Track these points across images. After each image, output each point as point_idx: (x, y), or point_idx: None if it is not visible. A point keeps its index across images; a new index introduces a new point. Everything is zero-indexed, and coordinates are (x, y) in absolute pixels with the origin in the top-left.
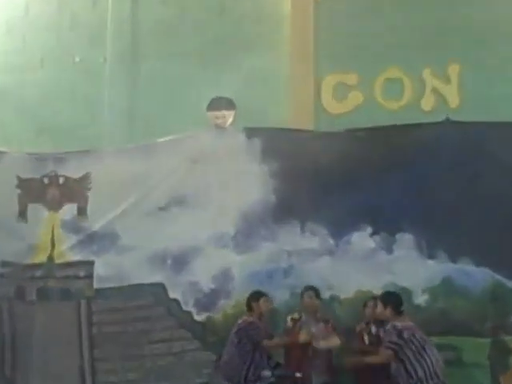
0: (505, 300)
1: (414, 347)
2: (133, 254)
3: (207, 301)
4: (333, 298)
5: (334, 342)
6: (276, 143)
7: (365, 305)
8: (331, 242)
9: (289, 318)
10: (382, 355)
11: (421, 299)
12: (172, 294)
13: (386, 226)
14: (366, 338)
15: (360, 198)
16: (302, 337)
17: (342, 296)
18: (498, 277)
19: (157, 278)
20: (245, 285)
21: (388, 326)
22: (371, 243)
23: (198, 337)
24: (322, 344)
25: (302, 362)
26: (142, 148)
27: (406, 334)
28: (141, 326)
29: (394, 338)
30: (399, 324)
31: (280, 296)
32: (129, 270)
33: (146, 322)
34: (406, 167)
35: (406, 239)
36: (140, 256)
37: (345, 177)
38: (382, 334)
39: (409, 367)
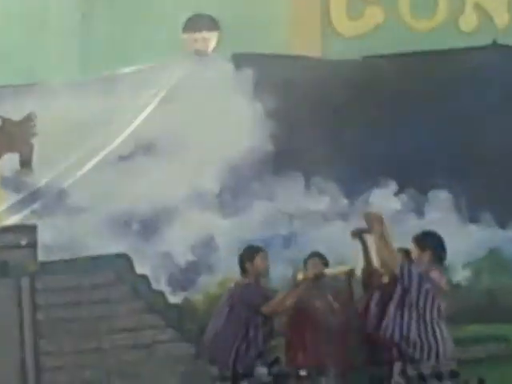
0: None
1: (422, 303)
2: (88, 217)
3: (184, 277)
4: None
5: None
6: (273, 74)
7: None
8: (344, 202)
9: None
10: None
11: (461, 276)
12: (139, 269)
13: (416, 181)
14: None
15: (381, 145)
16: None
17: (358, 272)
18: None
19: (119, 247)
20: (232, 257)
21: (429, 273)
22: (396, 204)
23: (172, 324)
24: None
25: (308, 351)
26: (99, 81)
27: (428, 285)
28: (99, 311)
29: (416, 271)
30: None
31: (279, 272)
32: (83, 238)
33: (105, 305)
34: (440, 104)
35: (441, 198)
36: (97, 219)
37: (362, 117)
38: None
39: (405, 320)
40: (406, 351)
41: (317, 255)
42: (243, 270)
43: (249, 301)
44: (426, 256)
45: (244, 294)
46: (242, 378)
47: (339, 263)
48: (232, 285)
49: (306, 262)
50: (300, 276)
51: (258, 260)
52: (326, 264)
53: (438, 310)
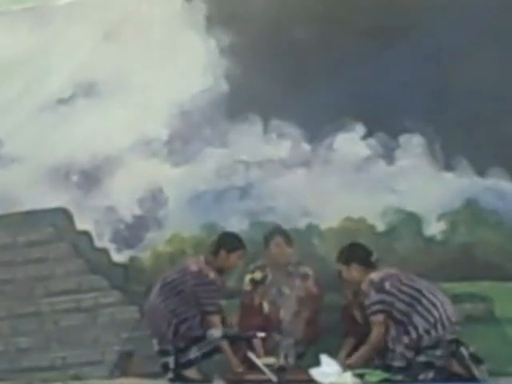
0: None
1: (405, 297)
2: (22, 168)
3: (130, 234)
4: (310, 229)
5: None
6: (227, 6)
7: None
8: (307, 147)
9: (247, 278)
10: (376, 329)
11: (435, 229)
12: (80, 225)
13: (385, 124)
14: (357, 313)
15: (347, 84)
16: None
17: (324, 225)
18: None
19: (57, 201)
20: (183, 210)
21: (362, 285)
22: (364, 149)
23: (117, 285)
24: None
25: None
26: (31, 12)
27: (388, 285)
28: (35, 271)
29: (374, 297)
30: (375, 275)
31: (234, 226)
32: (15, 191)
33: (42, 264)
34: (413, 36)
35: (413, 143)
36: (31, 170)
37: (326, 54)
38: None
39: (408, 325)
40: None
41: (279, 233)
42: (214, 255)
43: (207, 304)
44: (353, 269)
45: (200, 293)
46: (190, 346)
47: (302, 215)
48: (193, 265)
49: (266, 240)
50: (248, 278)
51: (235, 256)
52: (288, 242)
53: (413, 283)
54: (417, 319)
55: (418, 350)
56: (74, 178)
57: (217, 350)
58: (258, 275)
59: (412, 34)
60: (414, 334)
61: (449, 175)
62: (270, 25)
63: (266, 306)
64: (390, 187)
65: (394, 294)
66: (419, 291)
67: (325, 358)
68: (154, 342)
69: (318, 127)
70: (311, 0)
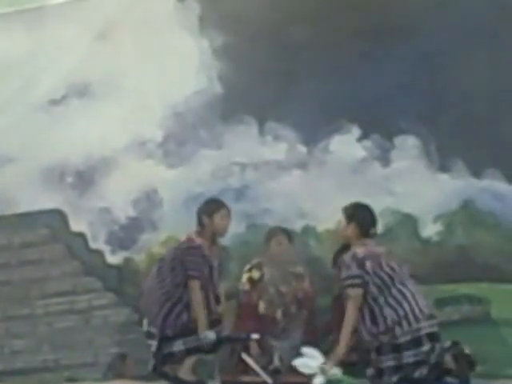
0: None
1: (380, 282)
2: (16, 169)
3: (125, 235)
4: (307, 231)
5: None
6: (221, 7)
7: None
8: (302, 149)
9: (245, 277)
10: (352, 303)
11: (431, 231)
12: (75, 226)
13: (381, 125)
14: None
15: (343, 86)
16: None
17: (320, 227)
18: None
19: (52, 202)
20: (178, 212)
21: (345, 256)
22: (359, 151)
23: (111, 287)
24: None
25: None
26: (24, 14)
27: (368, 265)
28: (30, 273)
29: (355, 271)
30: (360, 251)
31: (230, 229)
32: (11, 192)
33: (37, 266)
34: (408, 38)
35: (408, 145)
36: (26, 171)
37: (322, 56)
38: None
39: (376, 311)
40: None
41: (281, 231)
42: (200, 225)
43: (188, 268)
44: (350, 228)
45: (186, 257)
46: (176, 338)
47: (298, 217)
48: (184, 239)
49: (268, 238)
50: (245, 277)
51: (217, 217)
52: (290, 240)
53: (393, 271)
54: (386, 310)
55: (399, 347)
56: (69, 179)
57: (203, 349)
58: (255, 274)
59: (407, 36)
60: (382, 326)
61: (444, 176)
62: (264, 26)
63: (262, 306)
64: (385, 189)
65: (370, 274)
66: (391, 279)
67: (307, 350)
68: (145, 322)
69: (314, 129)
70: (306, 1)
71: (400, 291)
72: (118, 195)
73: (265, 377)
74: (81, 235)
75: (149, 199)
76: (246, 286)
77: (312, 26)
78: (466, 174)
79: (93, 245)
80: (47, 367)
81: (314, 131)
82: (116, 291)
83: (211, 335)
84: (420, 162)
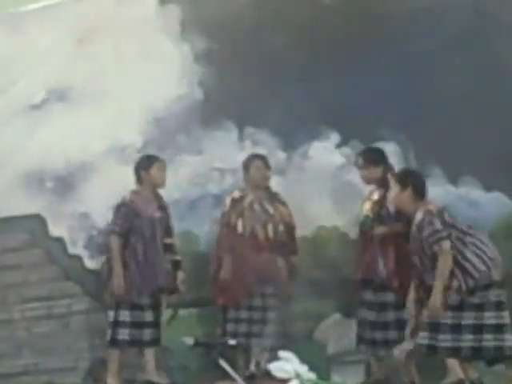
0: None
1: (458, 233)
2: None
3: (104, 240)
4: None
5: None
6: (202, 12)
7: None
8: (282, 155)
9: (227, 200)
10: (443, 258)
11: None
12: (54, 231)
13: (360, 132)
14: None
15: (322, 92)
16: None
17: (298, 234)
18: None
19: (32, 207)
20: None
21: (418, 215)
22: (338, 157)
23: (90, 292)
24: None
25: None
26: (3, 18)
27: (446, 216)
28: (9, 278)
29: (438, 226)
30: (431, 207)
31: (209, 235)
32: None
33: (16, 271)
34: (387, 45)
35: (387, 151)
36: (5, 176)
37: (301, 62)
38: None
39: (464, 262)
40: None
41: (257, 157)
42: (138, 180)
43: (111, 223)
44: (407, 193)
45: (113, 219)
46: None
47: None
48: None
49: (246, 167)
50: (228, 199)
51: (154, 169)
52: (267, 165)
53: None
54: (469, 255)
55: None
56: (49, 184)
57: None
58: (236, 194)
59: (386, 44)
60: (474, 273)
61: None
62: (245, 31)
63: (240, 225)
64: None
65: (451, 225)
66: (470, 229)
67: (284, 354)
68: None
69: (293, 135)
70: (287, 8)
71: (479, 239)
72: (97, 200)
73: (241, 382)
74: (60, 240)
75: None
76: (226, 208)
77: (293, 33)
78: (444, 181)
79: (72, 250)
80: (26, 372)
81: (294, 137)
82: (94, 296)
83: (189, 340)
84: (398, 168)
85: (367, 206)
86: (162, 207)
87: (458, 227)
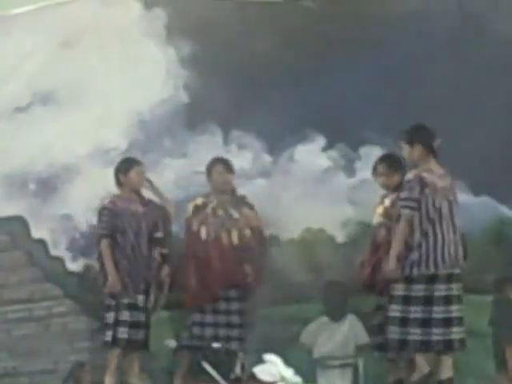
0: None
1: (425, 211)
2: None
3: (86, 242)
4: (270, 240)
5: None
6: (188, 15)
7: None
8: (267, 158)
9: (190, 206)
10: (405, 220)
11: None
12: (36, 233)
13: (346, 135)
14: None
15: (308, 95)
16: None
17: (284, 237)
18: (505, 209)
19: (13, 209)
20: None
21: (410, 175)
22: (324, 161)
23: (71, 295)
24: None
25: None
26: None
27: (428, 190)
28: None
29: (415, 194)
30: (427, 175)
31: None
32: None
33: None
34: (374, 49)
35: (373, 155)
36: None
37: (287, 65)
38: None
39: (414, 236)
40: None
41: (219, 161)
42: (118, 183)
43: (98, 228)
44: (416, 150)
45: (98, 223)
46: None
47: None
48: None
49: (208, 171)
50: (190, 205)
51: (132, 173)
52: (230, 169)
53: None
54: (418, 235)
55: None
56: (31, 186)
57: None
58: (198, 200)
59: (373, 47)
60: (415, 255)
61: None
62: (230, 35)
63: (203, 232)
64: (350, 199)
65: (427, 204)
66: (440, 216)
67: (269, 357)
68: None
69: (279, 138)
70: (272, 12)
71: (442, 231)
72: (80, 203)
73: None
74: (41, 242)
75: None
76: (188, 214)
77: (278, 37)
78: None
79: (53, 252)
80: (6, 374)
81: (279, 140)
82: (76, 299)
83: (172, 343)
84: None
85: (380, 210)
86: (146, 203)
87: (429, 207)
